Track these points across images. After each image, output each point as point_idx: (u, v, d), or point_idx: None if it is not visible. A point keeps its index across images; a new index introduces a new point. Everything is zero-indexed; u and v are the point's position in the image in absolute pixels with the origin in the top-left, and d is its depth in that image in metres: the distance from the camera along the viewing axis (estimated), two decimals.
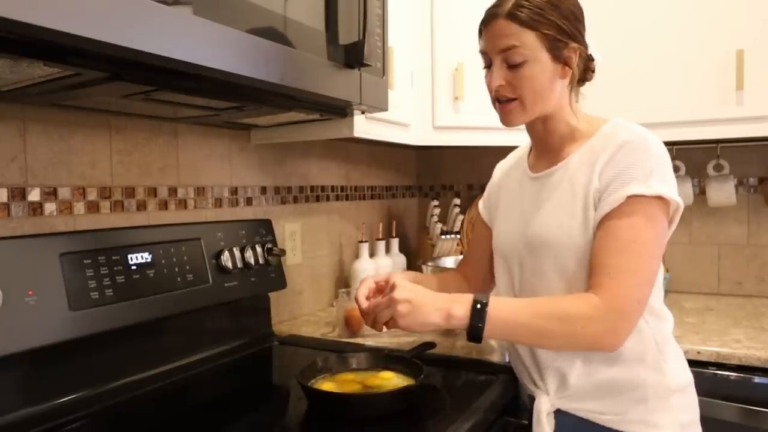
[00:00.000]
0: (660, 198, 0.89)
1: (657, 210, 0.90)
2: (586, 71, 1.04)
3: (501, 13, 0.97)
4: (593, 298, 0.87)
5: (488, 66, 1.01)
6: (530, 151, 1.14)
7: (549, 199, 1.01)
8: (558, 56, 0.97)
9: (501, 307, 0.90)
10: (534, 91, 0.97)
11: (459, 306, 0.90)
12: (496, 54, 0.98)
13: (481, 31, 1.02)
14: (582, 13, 1.00)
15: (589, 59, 1.02)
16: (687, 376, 0.99)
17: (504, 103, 1.01)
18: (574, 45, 0.97)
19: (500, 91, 1.00)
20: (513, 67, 0.97)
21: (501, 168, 1.23)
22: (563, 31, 0.96)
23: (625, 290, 0.87)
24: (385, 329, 0.97)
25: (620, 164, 0.91)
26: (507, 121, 1.02)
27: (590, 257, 0.92)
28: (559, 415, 0.99)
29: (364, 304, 1.01)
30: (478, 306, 0.89)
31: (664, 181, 0.90)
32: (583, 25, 0.99)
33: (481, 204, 1.26)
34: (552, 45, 0.96)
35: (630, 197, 0.89)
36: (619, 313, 0.87)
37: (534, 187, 1.06)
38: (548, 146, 1.06)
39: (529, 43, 0.95)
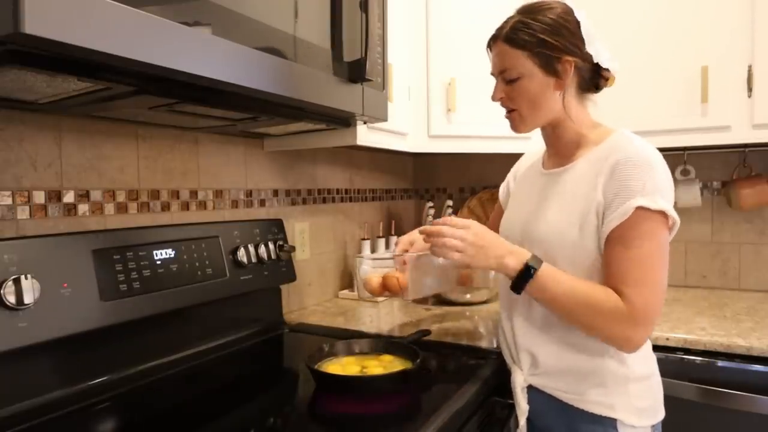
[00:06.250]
0: (663, 213, 0.87)
1: (661, 224, 0.88)
2: (596, 79, 1.00)
3: (500, 36, 1.00)
4: (618, 302, 0.86)
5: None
6: (545, 150, 1.13)
7: (552, 196, 1.00)
8: (551, 70, 0.96)
9: (543, 279, 0.90)
10: (529, 102, 0.99)
11: (513, 260, 0.92)
12: (497, 72, 1.02)
13: (488, 50, 1.04)
14: (577, 25, 0.96)
15: (597, 68, 0.98)
16: (649, 369, 0.98)
17: (508, 112, 1.04)
18: (567, 58, 0.95)
19: (502, 102, 1.03)
20: (510, 82, 0.99)
21: (524, 160, 1.21)
22: (554, 47, 0.95)
23: (644, 301, 0.86)
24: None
25: (623, 178, 0.88)
26: (513, 129, 1.05)
27: (604, 266, 0.91)
28: (531, 390, 1.02)
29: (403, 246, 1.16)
30: (530, 270, 0.90)
31: (666, 198, 0.88)
32: (579, 37, 0.96)
33: (501, 187, 1.26)
34: (543, 61, 0.96)
35: (637, 209, 0.86)
36: (635, 323, 0.86)
37: (541, 183, 1.05)
38: (557, 149, 1.05)
39: (523, 62, 0.97)
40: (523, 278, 0.91)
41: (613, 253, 0.89)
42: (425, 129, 1.70)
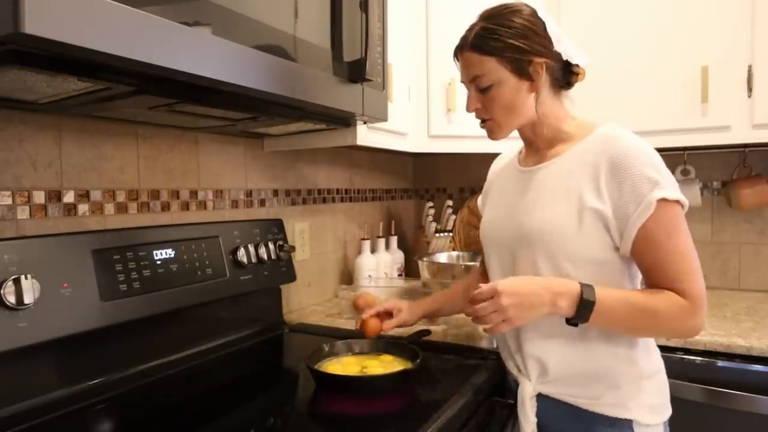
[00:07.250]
0: (678, 201, 0.88)
1: (680, 210, 0.89)
2: (569, 76, 1.00)
3: (465, 45, 0.99)
4: (680, 300, 0.87)
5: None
6: (522, 149, 1.11)
7: (540, 192, 0.98)
8: (523, 74, 0.95)
9: (603, 307, 0.87)
10: (504, 109, 0.98)
11: (564, 300, 0.88)
12: (468, 82, 1.00)
13: (455, 60, 1.03)
14: (541, 26, 0.95)
15: (568, 65, 0.98)
16: (657, 365, 0.98)
17: (483, 122, 1.03)
18: (537, 60, 0.94)
19: (477, 113, 1.02)
20: (483, 90, 0.98)
21: (496, 164, 1.20)
22: (523, 50, 0.94)
23: (698, 290, 0.88)
24: None
25: (631, 175, 0.87)
26: (491, 137, 1.04)
27: (644, 268, 0.91)
28: (541, 398, 0.99)
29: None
30: (589, 304, 0.87)
31: (675, 186, 0.89)
32: (546, 37, 0.95)
33: (479, 200, 1.24)
34: (514, 65, 0.94)
35: (659, 202, 0.86)
36: (697, 311, 0.88)
37: (523, 180, 1.03)
38: (536, 147, 1.04)
39: (493, 69, 0.95)
40: (583, 314, 0.88)
41: (649, 254, 0.89)
42: (425, 129, 1.70)
